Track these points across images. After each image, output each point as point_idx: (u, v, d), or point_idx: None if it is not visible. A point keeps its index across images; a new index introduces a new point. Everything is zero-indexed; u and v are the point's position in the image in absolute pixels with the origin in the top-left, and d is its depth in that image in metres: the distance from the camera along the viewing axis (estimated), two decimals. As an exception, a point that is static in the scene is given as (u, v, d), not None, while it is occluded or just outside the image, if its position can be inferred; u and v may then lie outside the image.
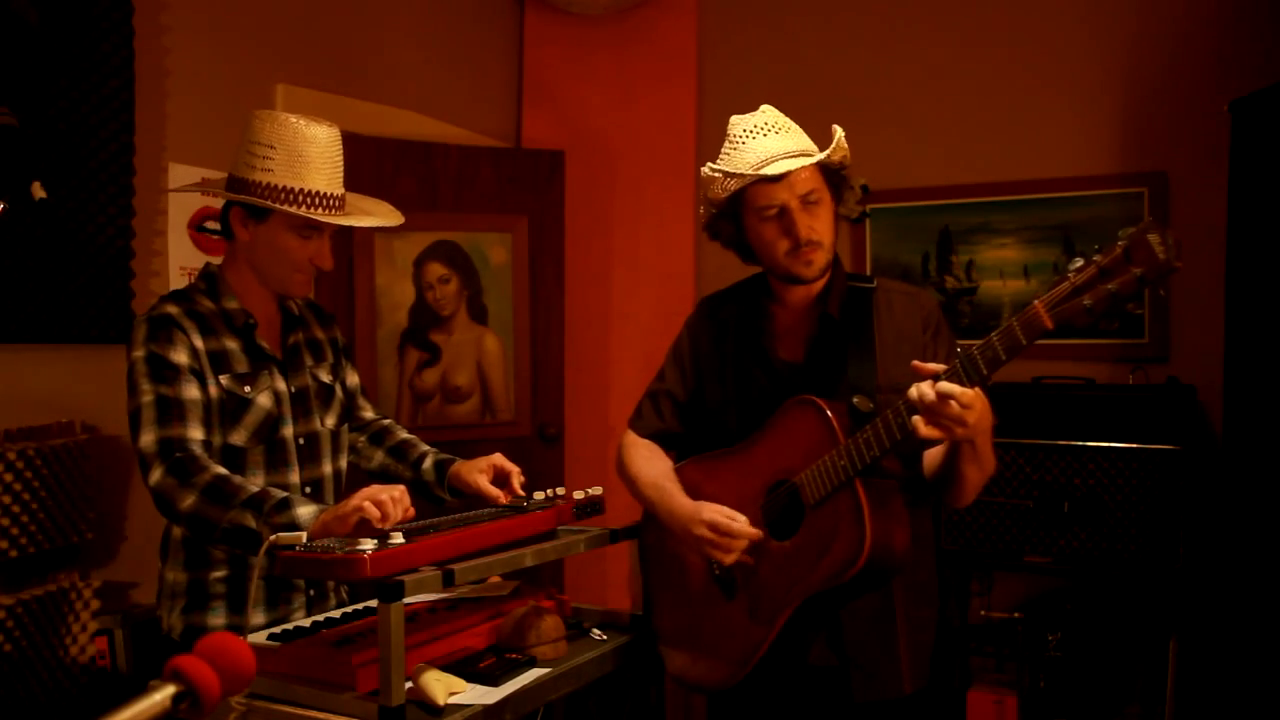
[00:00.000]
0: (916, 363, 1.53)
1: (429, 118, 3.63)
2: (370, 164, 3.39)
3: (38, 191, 2.34)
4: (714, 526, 1.75)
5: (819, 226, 1.78)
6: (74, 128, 2.49)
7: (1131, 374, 3.13)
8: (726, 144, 1.80)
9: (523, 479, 2.00)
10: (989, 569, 3.13)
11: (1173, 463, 2.78)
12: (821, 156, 1.74)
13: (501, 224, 3.70)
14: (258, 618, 1.88)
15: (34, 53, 2.40)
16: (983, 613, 3.15)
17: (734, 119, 1.82)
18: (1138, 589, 2.92)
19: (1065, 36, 3.33)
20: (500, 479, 2.00)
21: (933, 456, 1.75)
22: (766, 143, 1.76)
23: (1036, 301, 1.41)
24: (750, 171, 1.73)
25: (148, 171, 2.67)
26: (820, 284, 1.86)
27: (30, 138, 2.39)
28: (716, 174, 1.79)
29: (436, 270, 3.58)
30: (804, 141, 1.79)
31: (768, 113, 1.81)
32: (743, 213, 1.83)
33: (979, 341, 1.47)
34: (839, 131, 1.76)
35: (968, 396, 1.47)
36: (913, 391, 1.49)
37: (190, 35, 2.82)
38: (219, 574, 1.88)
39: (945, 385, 1.46)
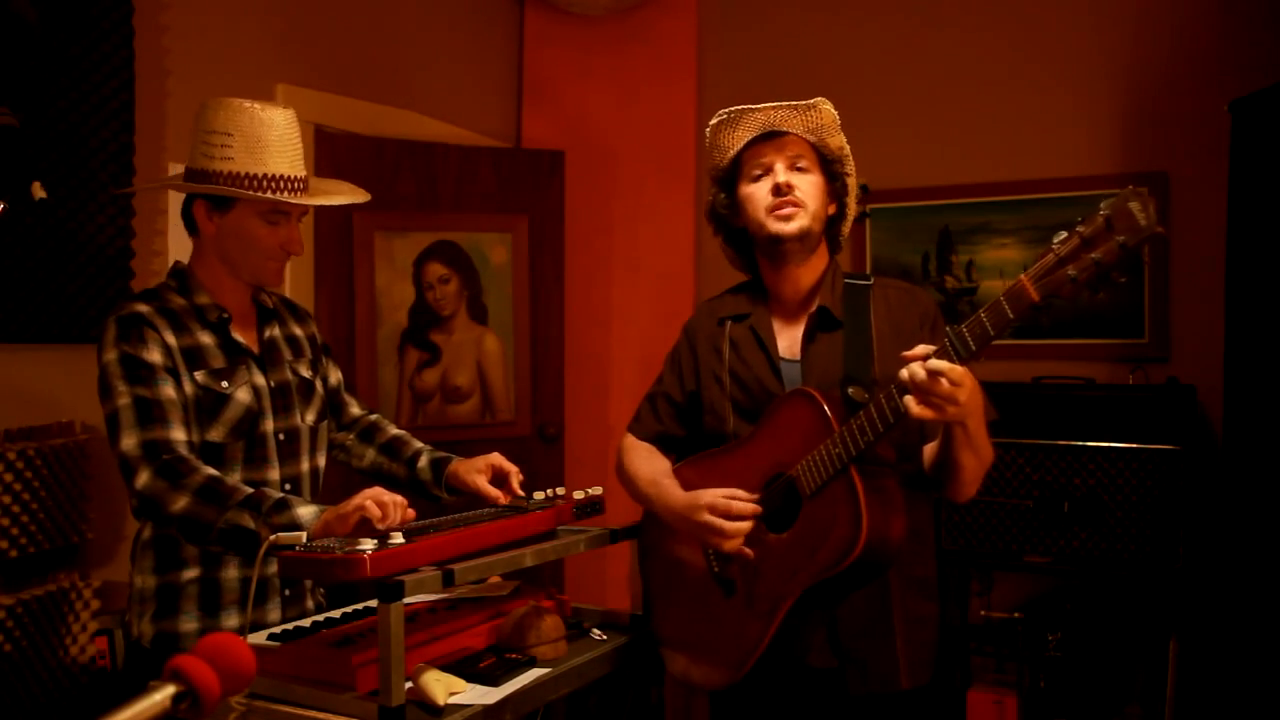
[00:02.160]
0: (905, 353, 1.54)
1: (429, 118, 3.63)
2: (370, 164, 3.40)
3: (38, 191, 2.34)
4: (713, 508, 1.75)
5: (804, 186, 1.84)
6: (74, 128, 2.48)
7: (1131, 374, 3.13)
8: None
9: (521, 479, 1.98)
10: (989, 569, 3.13)
11: (1173, 463, 2.78)
12: (801, 103, 1.83)
13: (501, 224, 3.70)
14: (231, 620, 1.84)
15: (34, 53, 2.40)
16: (983, 613, 3.15)
17: None
18: (1138, 589, 2.92)
19: (1066, 36, 3.33)
20: (499, 479, 1.98)
21: (931, 450, 1.76)
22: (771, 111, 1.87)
23: (1022, 275, 1.40)
24: (738, 107, 1.85)
25: (148, 171, 2.67)
26: (814, 278, 1.88)
27: (30, 138, 2.39)
28: (714, 121, 1.89)
29: (436, 270, 3.58)
30: (809, 117, 1.87)
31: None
32: (738, 181, 1.90)
33: (968, 319, 1.47)
34: (826, 103, 1.84)
35: (957, 373, 1.47)
36: (904, 372, 1.50)
37: (190, 35, 2.82)
38: (191, 575, 1.83)
39: (935, 362, 1.47)
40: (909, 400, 1.50)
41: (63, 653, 2.35)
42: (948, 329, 1.49)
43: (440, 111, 3.68)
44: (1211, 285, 2.95)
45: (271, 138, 1.79)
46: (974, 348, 1.46)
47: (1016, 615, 3.01)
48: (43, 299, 2.44)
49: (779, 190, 1.82)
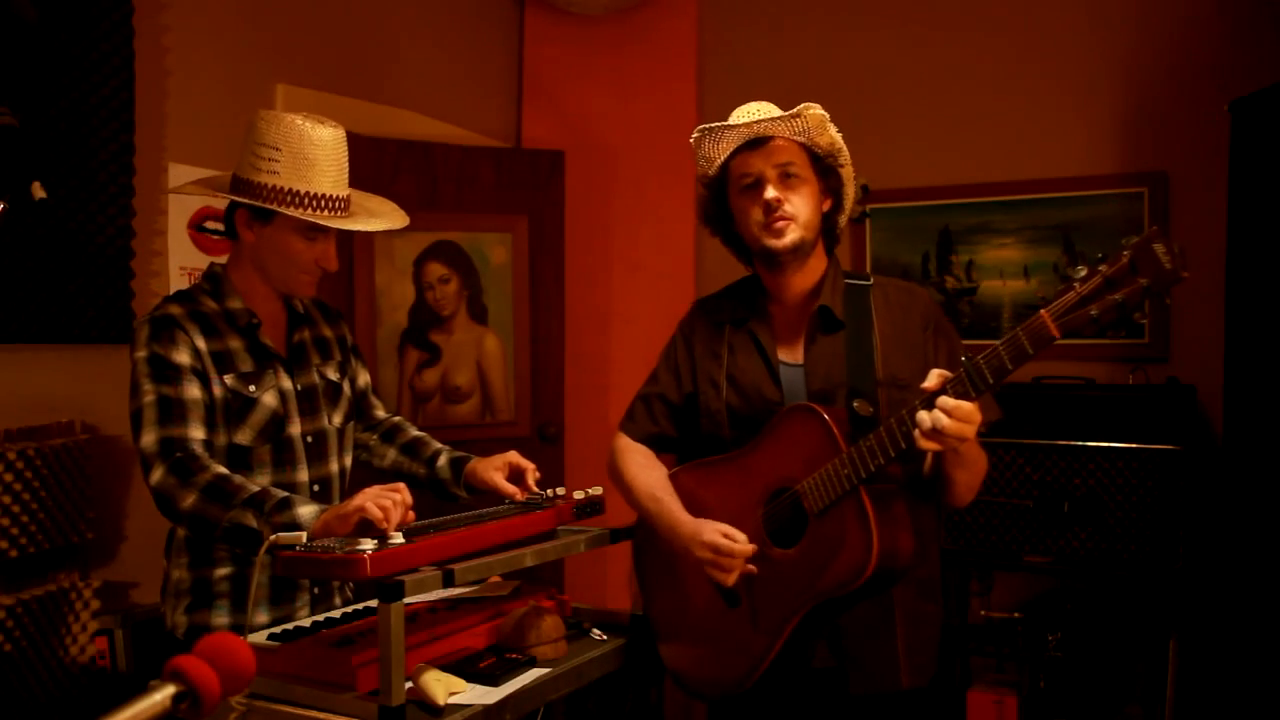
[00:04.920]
0: (924, 384, 1.54)
1: (429, 118, 3.63)
2: (370, 164, 3.39)
3: (38, 191, 2.34)
4: (714, 548, 1.74)
5: (794, 200, 1.80)
6: (74, 128, 2.48)
7: (1131, 374, 3.13)
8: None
9: (538, 475, 2.01)
10: (989, 569, 3.13)
11: (1173, 463, 2.77)
12: (786, 113, 1.77)
13: (501, 224, 3.70)
14: (261, 616, 1.88)
15: (34, 53, 2.40)
16: (983, 613, 3.15)
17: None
18: (1138, 589, 2.91)
19: (1066, 36, 3.33)
20: (515, 476, 2.01)
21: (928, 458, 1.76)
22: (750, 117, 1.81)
23: (1043, 311, 1.40)
24: (719, 124, 1.79)
25: (148, 171, 2.67)
26: (814, 279, 1.86)
27: (30, 138, 2.39)
28: (696, 134, 1.83)
29: (436, 270, 3.58)
30: (794, 124, 1.81)
31: (764, 103, 1.84)
32: (728, 193, 1.87)
33: (985, 351, 1.47)
34: (813, 107, 1.77)
35: (965, 410, 1.48)
36: (923, 417, 1.50)
37: (190, 35, 2.82)
38: (223, 572, 1.88)
39: (947, 400, 1.48)
40: (916, 434, 1.51)
41: (63, 653, 2.35)
42: (964, 360, 1.49)
43: (440, 111, 3.68)
44: (1211, 285, 2.95)
45: (319, 156, 1.84)
46: (991, 381, 1.47)
47: (1016, 615, 3.00)
48: (43, 299, 2.44)
49: (769, 208, 1.79)
